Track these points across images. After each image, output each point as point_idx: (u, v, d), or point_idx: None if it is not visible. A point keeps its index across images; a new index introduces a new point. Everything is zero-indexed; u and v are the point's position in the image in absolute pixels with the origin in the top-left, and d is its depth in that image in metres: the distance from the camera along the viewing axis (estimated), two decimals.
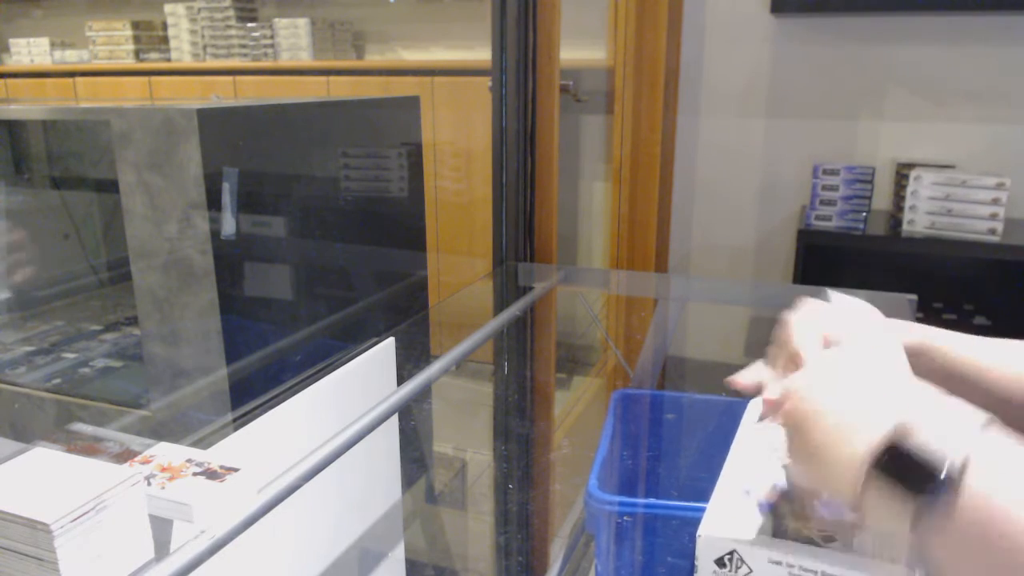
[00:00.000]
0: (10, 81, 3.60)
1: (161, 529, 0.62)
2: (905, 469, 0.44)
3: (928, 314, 2.22)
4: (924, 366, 0.64)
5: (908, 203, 2.08)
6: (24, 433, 1.22)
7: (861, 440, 0.47)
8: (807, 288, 1.00)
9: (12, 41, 3.71)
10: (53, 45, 3.64)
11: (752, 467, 0.70)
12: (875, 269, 2.36)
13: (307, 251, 1.18)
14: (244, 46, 3.19)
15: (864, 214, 2.17)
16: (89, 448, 0.69)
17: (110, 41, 3.44)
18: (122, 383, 1.24)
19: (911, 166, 2.15)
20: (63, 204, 1.58)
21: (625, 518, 0.83)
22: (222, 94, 3.05)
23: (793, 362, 0.59)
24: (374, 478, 1.21)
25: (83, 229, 1.61)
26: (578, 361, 2.72)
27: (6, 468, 0.58)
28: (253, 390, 1.06)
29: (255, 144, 1.06)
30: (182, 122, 0.96)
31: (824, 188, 2.18)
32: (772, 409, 0.58)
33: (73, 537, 0.53)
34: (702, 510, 0.64)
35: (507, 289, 1.56)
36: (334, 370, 1.05)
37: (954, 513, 0.42)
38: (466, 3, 3.03)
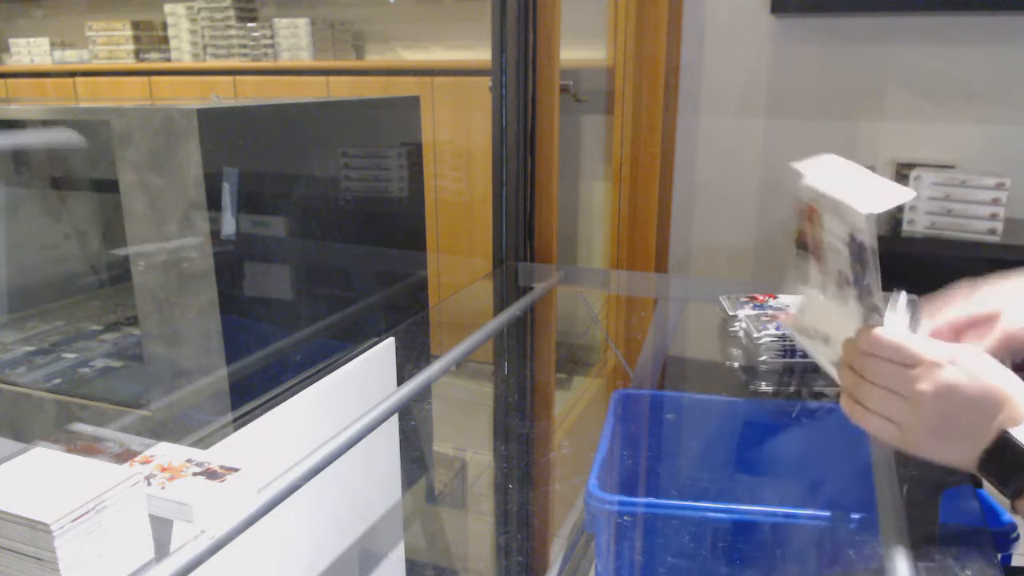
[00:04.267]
0: (10, 81, 3.60)
1: (161, 529, 0.62)
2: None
3: None
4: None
5: (908, 203, 2.08)
6: (24, 433, 1.22)
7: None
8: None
9: (12, 41, 3.71)
10: (53, 45, 3.64)
11: None
12: None
13: (307, 251, 1.18)
14: (244, 46, 3.19)
15: None
16: (89, 448, 0.69)
17: (110, 41, 3.44)
18: (122, 383, 1.24)
19: (911, 166, 2.15)
20: (63, 204, 1.58)
21: (625, 518, 0.83)
22: (222, 94, 3.05)
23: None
24: (374, 478, 1.21)
25: (83, 229, 1.61)
26: (578, 361, 2.71)
27: (6, 468, 0.58)
28: (253, 390, 1.06)
29: (255, 144, 1.06)
30: (182, 122, 0.96)
31: None
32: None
33: (73, 537, 0.53)
34: (702, 510, 0.64)
35: (507, 289, 1.56)
36: (334, 370, 1.05)
37: None
38: (466, 3, 3.02)
